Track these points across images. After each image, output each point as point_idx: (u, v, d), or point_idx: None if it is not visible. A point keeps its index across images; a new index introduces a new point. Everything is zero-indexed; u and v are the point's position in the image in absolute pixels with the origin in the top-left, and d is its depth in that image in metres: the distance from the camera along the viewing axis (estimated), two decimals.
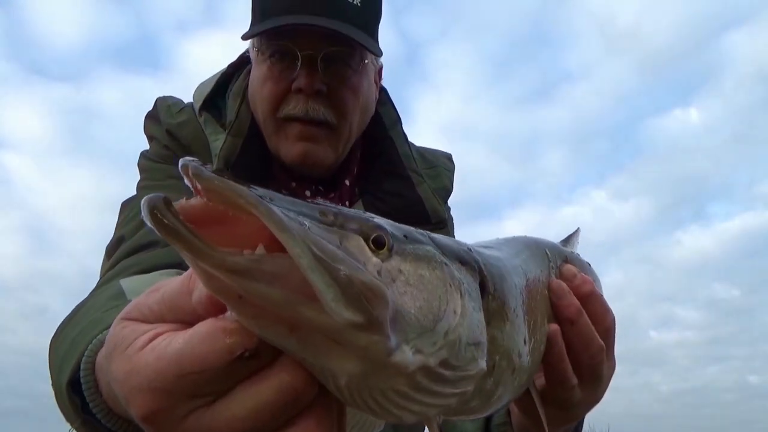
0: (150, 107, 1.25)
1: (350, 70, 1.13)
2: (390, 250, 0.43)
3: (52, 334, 0.83)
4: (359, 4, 1.10)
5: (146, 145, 1.25)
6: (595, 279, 0.99)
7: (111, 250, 1.08)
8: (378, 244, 0.42)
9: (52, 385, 0.73)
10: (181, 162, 0.35)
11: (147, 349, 0.42)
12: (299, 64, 1.08)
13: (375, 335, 0.38)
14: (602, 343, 0.80)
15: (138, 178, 1.21)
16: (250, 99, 1.18)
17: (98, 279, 1.06)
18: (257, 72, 1.15)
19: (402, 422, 0.46)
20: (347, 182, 1.26)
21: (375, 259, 0.41)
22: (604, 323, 0.81)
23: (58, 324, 0.84)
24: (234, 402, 0.41)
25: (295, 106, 1.10)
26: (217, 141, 1.13)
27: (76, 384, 0.61)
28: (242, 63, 1.26)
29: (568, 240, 1.05)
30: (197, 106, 1.19)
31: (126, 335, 0.44)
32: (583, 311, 0.79)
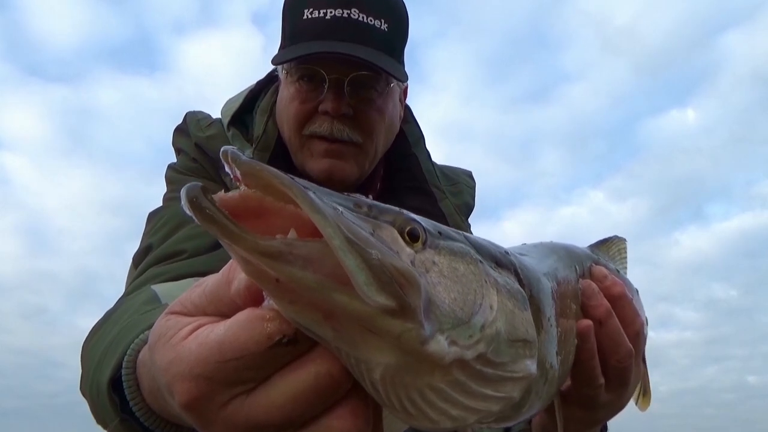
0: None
1: (376, 93, 1.15)
2: (424, 243, 0.43)
3: (84, 339, 0.85)
4: (386, 29, 1.12)
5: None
6: (628, 286, 0.95)
7: (138, 259, 1.11)
8: (412, 236, 0.42)
9: (86, 386, 0.75)
10: (222, 150, 0.37)
11: (190, 338, 0.43)
12: (326, 86, 1.10)
13: (408, 323, 0.37)
14: (631, 347, 0.78)
15: (164, 188, 1.23)
16: (278, 117, 1.21)
17: (125, 287, 1.08)
18: (285, 92, 1.17)
19: (439, 430, 0.44)
20: (370, 197, 1.26)
21: (409, 250, 0.41)
22: (634, 326, 0.80)
23: (88, 332, 0.87)
24: (272, 389, 0.41)
25: (320, 126, 1.13)
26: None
27: (116, 382, 0.63)
28: (270, 80, 1.29)
29: (600, 245, 1.02)
30: (225, 122, 1.22)
31: (170, 326, 0.45)
32: (613, 313, 0.78)
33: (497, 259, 0.51)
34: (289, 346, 0.40)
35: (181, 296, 0.48)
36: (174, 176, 1.23)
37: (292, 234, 0.37)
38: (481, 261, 0.47)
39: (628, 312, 0.79)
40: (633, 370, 0.79)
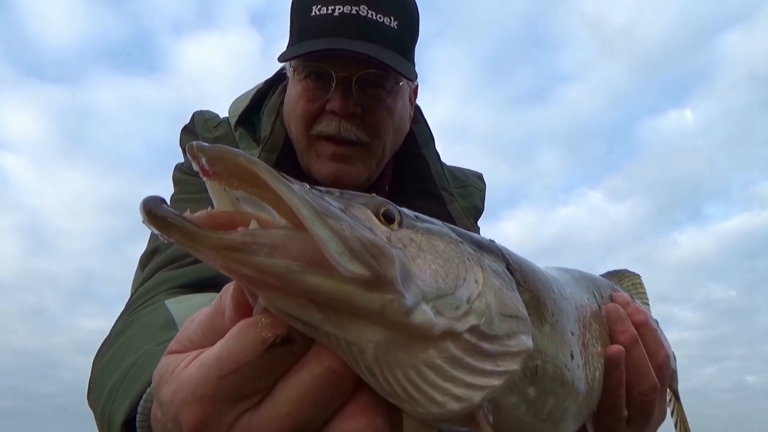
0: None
1: (384, 91, 1.12)
2: (400, 224, 0.44)
3: (96, 351, 0.83)
4: (396, 27, 1.10)
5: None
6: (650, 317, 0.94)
7: (145, 261, 1.08)
8: (388, 217, 0.43)
9: (96, 406, 0.73)
10: (186, 147, 0.38)
11: (191, 365, 0.42)
12: (334, 85, 1.08)
13: (388, 294, 0.37)
14: (656, 380, 0.75)
15: (171, 189, 1.21)
16: (285, 116, 1.19)
17: (131, 289, 1.06)
18: (293, 90, 1.15)
19: (449, 413, 0.43)
20: None
21: (384, 228, 0.42)
22: (658, 358, 0.77)
23: (101, 343, 0.86)
24: (277, 398, 0.40)
25: (328, 125, 1.10)
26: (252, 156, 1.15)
27: (129, 422, 0.61)
28: (278, 79, 1.27)
29: (609, 277, 1.01)
30: (233, 121, 1.21)
31: (170, 362, 0.45)
32: (639, 340, 0.76)
33: (481, 243, 0.52)
34: (285, 346, 0.40)
35: (178, 334, 0.48)
36: (181, 177, 1.21)
37: (253, 225, 0.37)
38: (461, 242, 0.48)
39: (651, 342, 0.77)
40: (657, 406, 0.76)
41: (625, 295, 0.83)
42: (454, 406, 0.42)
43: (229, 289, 0.45)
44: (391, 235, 0.42)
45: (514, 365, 0.45)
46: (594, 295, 0.79)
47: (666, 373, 0.79)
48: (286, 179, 0.36)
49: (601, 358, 0.71)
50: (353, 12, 1.06)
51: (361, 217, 0.41)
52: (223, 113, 1.28)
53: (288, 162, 1.17)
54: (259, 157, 1.10)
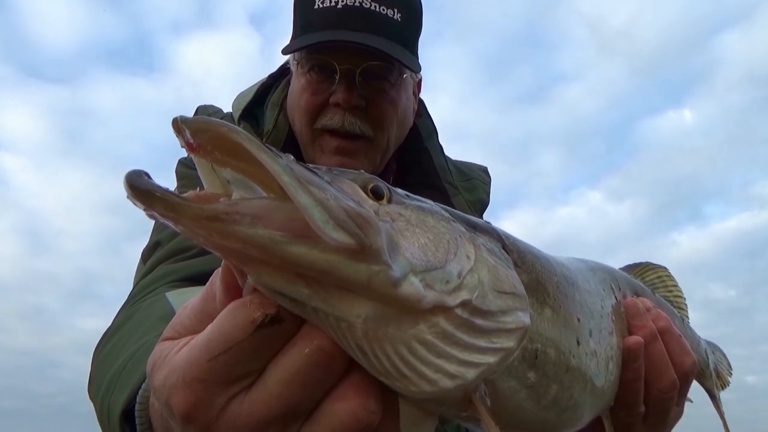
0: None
1: (388, 84, 1.12)
2: (389, 200, 0.43)
3: (97, 343, 0.83)
4: (399, 19, 1.09)
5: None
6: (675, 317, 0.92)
7: (147, 254, 1.08)
8: (376, 193, 0.43)
9: (97, 400, 0.73)
10: (172, 121, 0.38)
11: (182, 350, 0.42)
12: (337, 77, 1.08)
13: (374, 264, 0.36)
14: (676, 378, 0.74)
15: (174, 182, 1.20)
16: (289, 110, 1.19)
17: (133, 283, 1.05)
18: (296, 84, 1.15)
19: (443, 391, 0.42)
20: None
21: (371, 202, 0.41)
22: (684, 365, 0.76)
23: (102, 334, 0.85)
24: (268, 379, 0.40)
25: (331, 118, 1.10)
26: None
27: (128, 413, 0.61)
28: (282, 73, 1.27)
29: (630, 270, 0.99)
30: (236, 116, 1.20)
31: (163, 349, 0.45)
32: (659, 336, 0.75)
33: (475, 224, 0.51)
34: (275, 326, 0.39)
35: (171, 321, 0.48)
36: (183, 171, 1.20)
37: (235, 195, 0.37)
38: (453, 220, 0.47)
39: (675, 347, 0.76)
40: (674, 409, 0.76)
41: (647, 301, 0.82)
42: (447, 383, 0.41)
43: (218, 272, 0.45)
44: (379, 209, 0.41)
45: (510, 342, 0.44)
46: (612, 287, 0.78)
47: (690, 379, 0.78)
48: (270, 149, 0.36)
49: (618, 350, 0.70)
50: (356, 4, 1.06)
51: (348, 191, 0.41)
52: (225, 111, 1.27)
53: (292, 155, 1.17)
54: None
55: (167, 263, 1.01)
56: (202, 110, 1.26)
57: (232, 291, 0.43)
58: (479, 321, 0.42)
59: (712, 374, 1.08)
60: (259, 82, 1.28)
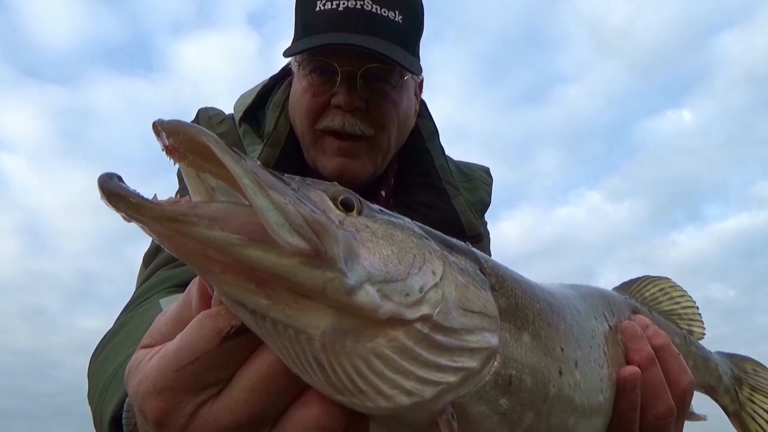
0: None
1: (389, 86, 1.12)
2: (359, 212, 0.44)
3: (94, 349, 0.84)
4: (400, 21, 1.10)
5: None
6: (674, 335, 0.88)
7: (148, 259, 1.09)
8: (345, 205, 0.43)
9: (91, 406, 0.74)
10: (152, 124, 0.40)
11: (154, 358, 0.44)
12: (339, 79, 1.08)
13: (328, 271, 0.37)
14: (673, 404, 0.71)
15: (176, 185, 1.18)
16: (290, 111, 1.19)
17: (135, 286, 1.07)
18: (298, 85, 1.16)
19: (399, 408, 0.41)
20: (383, 193, 1.24)
21: (338, 212, 0.42)
22: (680, 385, 0.73)
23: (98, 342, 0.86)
24: (234, 388, 0.41)
25: (332, 120, 1.10)
26: (255, 151, 1.15)
27: (118, 420, 0.62)
28: (283, 75, 1.27)
29: (626, 288, 0.95)
30: (237, 117, 1.21)
31: (139, 356, 0.46)
32: (657, 361, 0.73)
33: (452, 244, 0.51)
34: (240, 337, 0.41)
35: (149, 329, 0.49)
36: None
37: (196, 198, 0.38)
38: (426, 237, 0.47)
39: (673, 366, 0.73)
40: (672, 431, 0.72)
41: (645, 318, 0.80)
42: (403, 400, 0.40)
43: (196, 280, 0.46)
44: (345, 219, 0.42)
45: (473, 362, 0.43)
46: (605, 315, 0.75)
47: (687, 400, 0.75)
48: (236, 152, 0.37)
49: (610, 382, 0.68)
50: (358, 6, 1.06)
51: (315, 200, 0.41)
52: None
53: (292, 157, 1.17)
54: (261, 153, 1.13)
55: (166, 269, 1.03)
56: (203, 113, 1.27)
57: (208, 300, 0.44)
58: (441, 338, 0.41)
59: (728, 390, 1.02)
60: (260, 83, 1.29)
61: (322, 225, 0.37)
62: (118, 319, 0.96)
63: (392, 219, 0.46)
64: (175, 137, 0.38)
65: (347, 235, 0.39)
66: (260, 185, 0.36)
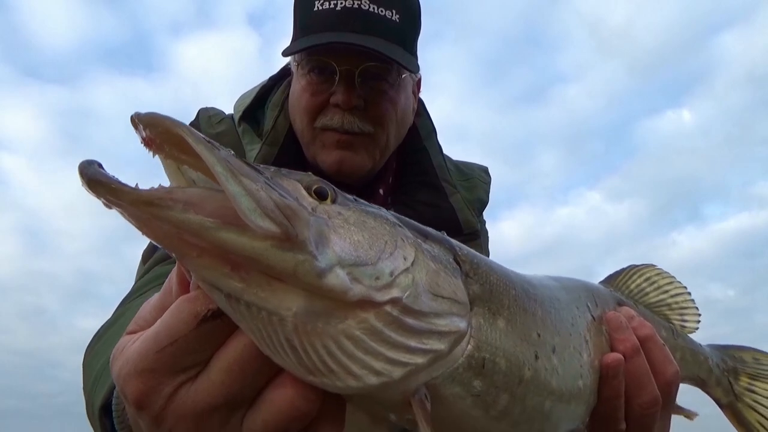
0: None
1: (387, 84, 1.14)
2: (333, 201, 0.45)
3: (88, 344, 0.86)
4: (398, 20, 1.12)
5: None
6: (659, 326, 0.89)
7: (146, 255, 1.12)
8: (320, 194, 0.45)
9: (85, 395, 0.76)
10: (130, 117, 0.42)
11: (136, 342, 0.46)
12: (337, 78, 1.10)
13: (299, 254, 0.38)
14: (658, 394, 0.73)
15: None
16: (290, 110, 1.21)
17: (134, 283, 1.09)
18: (297, 85, 1.18)
19: (368, 388, 0.42)
20: (381, 191, 1.26)
21: (311, 200, 0.44)
22: (665, 375, 0.75)
23: (93, 334, 0.88)
24: (211, 369, 0.43)
25: (331, 118, 1.13)
26: (253, 150, 1.17)
27: (108, 407, 0.64)
28: (282, 76, 1.29)
29: (612, 281, 0.97)
30: (237, 117, 1.23)
31: (123, 342, 0.48)
32: (641, 351, 0.74)
33: (426, 232, 0.52)
34: (217, 320, 0.43)
35: (135, 316, 0.51)
36: None
37: (172, 185, 0.40)
38: (400, 225, 0.49)
39: (658, 356, 0.75)
40: (657, 423, 0.73)
41: (630, 310, 0.81)
42: (372, 380, 0.42)
43: (176, 268, 0.48)
44: (318, 207, 0.43)
45: (440, 345, 0.44)
46: (587, 305, 0.77)
47: (673, 390, 0.76)
48: (210, 142, 0.39)
49: (591, 368, 0.69)
50: (355, 6, 1.09)
51: (288, 188, 0.43)
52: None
53: (291, 156, 1.19)
54: (260, 152, 1.15)
55: (163, 264, 1.05)
56: (203, 113, 1.29)
57: (187, 285, 0.46)
58: (410, 320, 0.43)
59: (719, 382, 1.02)
60: (260, 84, 1.31)
61: (293, 210, 0.39)
62: (114, 313, 0.98)
63: (366, 207, 0.48)
64: (152, 129, 0.40)
65: (319, 221, 0.41)
66: (233, 172, 0.38)
